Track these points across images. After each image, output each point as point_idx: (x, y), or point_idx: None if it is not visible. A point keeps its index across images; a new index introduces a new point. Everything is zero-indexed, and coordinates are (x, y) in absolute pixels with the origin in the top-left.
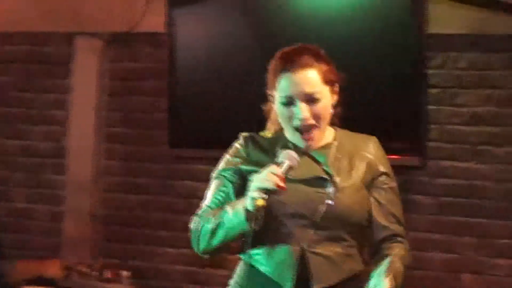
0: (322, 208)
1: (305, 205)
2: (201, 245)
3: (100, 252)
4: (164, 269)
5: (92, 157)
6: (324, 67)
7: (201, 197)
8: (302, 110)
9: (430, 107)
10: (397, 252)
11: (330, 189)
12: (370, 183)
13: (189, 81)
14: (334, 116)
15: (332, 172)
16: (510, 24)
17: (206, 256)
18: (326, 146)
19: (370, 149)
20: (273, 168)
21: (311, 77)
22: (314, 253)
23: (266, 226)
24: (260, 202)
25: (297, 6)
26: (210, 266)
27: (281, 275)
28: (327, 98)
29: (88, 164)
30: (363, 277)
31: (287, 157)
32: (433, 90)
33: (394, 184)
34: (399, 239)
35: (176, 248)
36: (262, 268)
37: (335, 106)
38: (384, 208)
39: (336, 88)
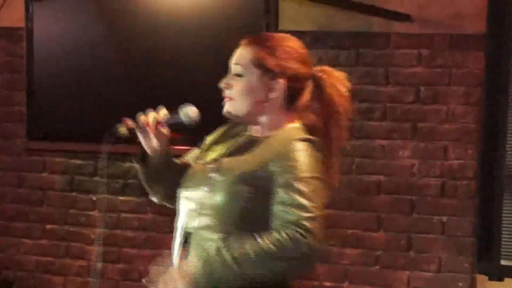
0: (201, 195)
1: (194, 189)
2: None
3: None
4: (19, 259)
5: None
6: (261, 51)
7: (55, 189)
8: (224, 78)
9: None
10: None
11: (212, 178)
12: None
13: (46, 74)
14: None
15: (221, 164)
16: (355, 21)
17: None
18: (251, 139)
19: (278, 151)
20: (161, 111)
21: (243, 51)
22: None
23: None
24: (122, 130)
25: (150, 3)
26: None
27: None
28: (250, 81)
29: None
30: None
31: (182, 109)
32: None
33: (289, 176)
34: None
35: (31, 239)
36: None
37: (276, 104)
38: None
39: (277, 85)
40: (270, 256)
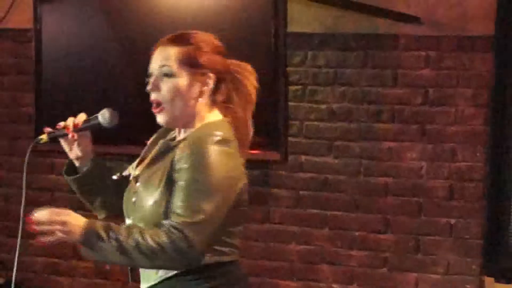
0: (132, 208)
1: (127, 204)
2: None
3: None
4: (27, 260)
5: None
6: (188, 47)
7: (64, 190)
8: (149, 83)
9: (290, 103)
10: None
11: (137, 187)
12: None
13: (54, 76)
14: (214, 106)
15: (140, 171)
16: (362, 23)
17: None
18: (168, 145)
19: (183, 146)
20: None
21: (168, 51)
22: None
23: None
24: (43, 137)
25: (158, 5)
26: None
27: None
28: (181, 80)
29: None
30: (178, 278)
31: (100, 112)
32: (293, 87)
33: (187, 176)
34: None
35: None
36: None
37: (207, 100)
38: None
39: (208, 79)
40: (140, 251)
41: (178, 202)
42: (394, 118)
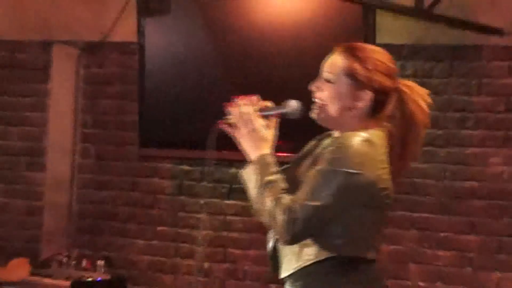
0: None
1: None
2: None
3: (75, 243)
4: (132, 258)
5: (69, 156)
6: (353, 61)
7: (166, 193)
8: (314, 82)
9: None
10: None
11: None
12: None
13: (156, 86)
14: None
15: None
16: (448, 35)
17: None
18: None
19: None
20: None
21: (336, 59)
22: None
23: None
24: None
25: (253, 18)
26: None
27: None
28: (340, 88)
29: (65, 163)
30: (314, 268)
31: (286, 102)
32: None
33: (326, 166)
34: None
35: (143, 240)
36: None
37: (360, 112)
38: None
39: (364, 95)
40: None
41: (306, 186)
42: (478, 125)
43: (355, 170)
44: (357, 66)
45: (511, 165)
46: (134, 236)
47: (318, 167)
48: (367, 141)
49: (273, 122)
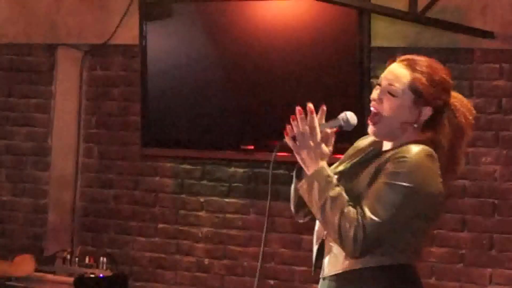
0: None
1: None
2: None
3: (78, 240)
4: (134, 255)
5: (73, 155)
6: (420, 77)
7: (167, 191)
8: (374, 91)
9: None
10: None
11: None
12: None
13: (158, 88)
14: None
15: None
16: (441, 38)
17: None
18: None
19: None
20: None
21: (400, 72)
22: (328, 243)
23: None
24: (287, 140)
25: (251, 22)
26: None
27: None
28: (404, 103)
29: (69, 162)
30: (355, 275)
31: (342, 115)
32: None
33: (391, 180)
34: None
35: (145, 237)
36: None
37: (419, 126)
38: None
39: (426, 111)
40: (333, 219)
41: (371, 197)
42: None
43: (420, 184)
44: (424, 82)
45: (502, 164)
46: (136, 233)
47: (383, 180)
48: (429, 155)
49: (332, 137)
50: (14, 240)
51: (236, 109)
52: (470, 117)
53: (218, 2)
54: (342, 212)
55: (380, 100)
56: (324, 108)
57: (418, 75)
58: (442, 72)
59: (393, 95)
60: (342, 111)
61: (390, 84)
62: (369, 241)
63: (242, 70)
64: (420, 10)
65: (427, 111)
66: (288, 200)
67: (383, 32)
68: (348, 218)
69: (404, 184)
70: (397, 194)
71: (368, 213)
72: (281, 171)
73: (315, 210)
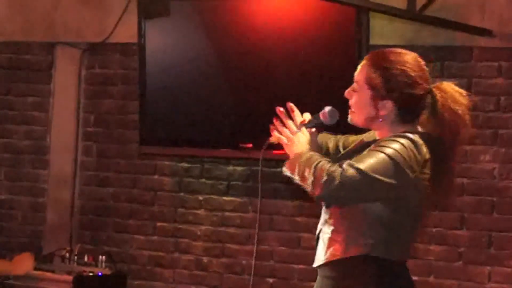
0: None
1: None
2: None
3: (77, 238)
4: (132, 253)
5: (71, 154)
6: (375, 73)
7: (165, 190)
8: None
9: None
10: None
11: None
12: None
13: (157, 86)
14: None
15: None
16: (440, 36)
17: None
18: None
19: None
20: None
21: (361, 67)
22: (321, 234)
23: None
24: (273, 139)
25: (249, 20)
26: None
27: None
28: (362, 98)
29: (68, 160)
30: (341, 264)
31: (323, 111)
32: None
33: (375, 148)
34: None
35: (143, 235)
36: None
37: (387, 120)
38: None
39: (386, 104)
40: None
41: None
42: None
43: (398, 163)
44: (377, 76)
45: (501, 162)
46: (134, 232)
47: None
48: (412, 140)
49: (314, 134)
50: (13, 239)
51: (235, 108)
52: (457, 107)
53: (216, 0)
54: (319, 162)
55: (349, 94)
56: (291, 105)
57: (374, 70)
58: (407, 62)
59: (354, 90)
60: (339, 109)
61: (354, 80)
62: (340, 185)
63: (241, 68)
64: (418, 8)
65: (387, 105)
66: (286, 198)
67: (382, 30)
68: (326, 164)
69: (386, 152)
70: (377, 158)
71: (345, 164)
72: (279, 169)
73: (299, 179)
